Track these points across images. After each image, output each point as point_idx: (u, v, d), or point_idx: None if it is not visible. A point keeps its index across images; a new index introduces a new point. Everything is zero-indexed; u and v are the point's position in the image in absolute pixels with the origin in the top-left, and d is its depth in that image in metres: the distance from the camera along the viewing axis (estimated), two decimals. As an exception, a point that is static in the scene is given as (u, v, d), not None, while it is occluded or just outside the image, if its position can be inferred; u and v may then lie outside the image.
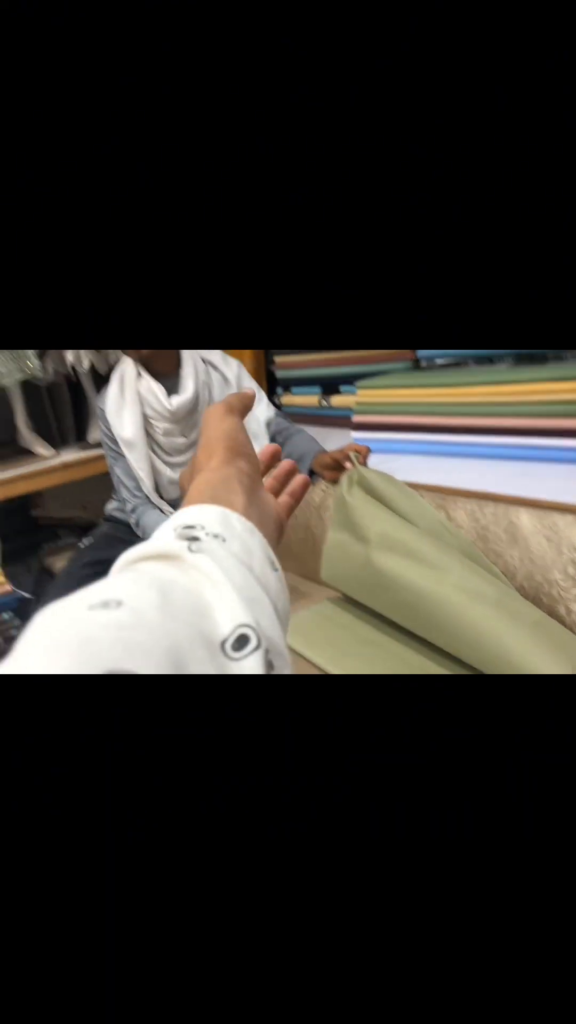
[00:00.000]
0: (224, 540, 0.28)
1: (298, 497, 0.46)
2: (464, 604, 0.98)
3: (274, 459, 0.47)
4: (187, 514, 0.30)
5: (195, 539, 0.27)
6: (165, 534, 0.28)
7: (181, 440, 1.44)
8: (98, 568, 1.44)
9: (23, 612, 1.62)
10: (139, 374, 1.41)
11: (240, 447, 0.39)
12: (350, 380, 1.57)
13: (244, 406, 0.43)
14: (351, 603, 1.28)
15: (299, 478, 0.47)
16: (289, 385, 1.81)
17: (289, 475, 0.47)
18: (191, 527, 0.28)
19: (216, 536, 0.28)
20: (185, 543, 0.27)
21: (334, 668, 1.09)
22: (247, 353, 1.77)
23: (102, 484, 1.89)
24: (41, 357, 1.66)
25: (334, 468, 1.28)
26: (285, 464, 0.47)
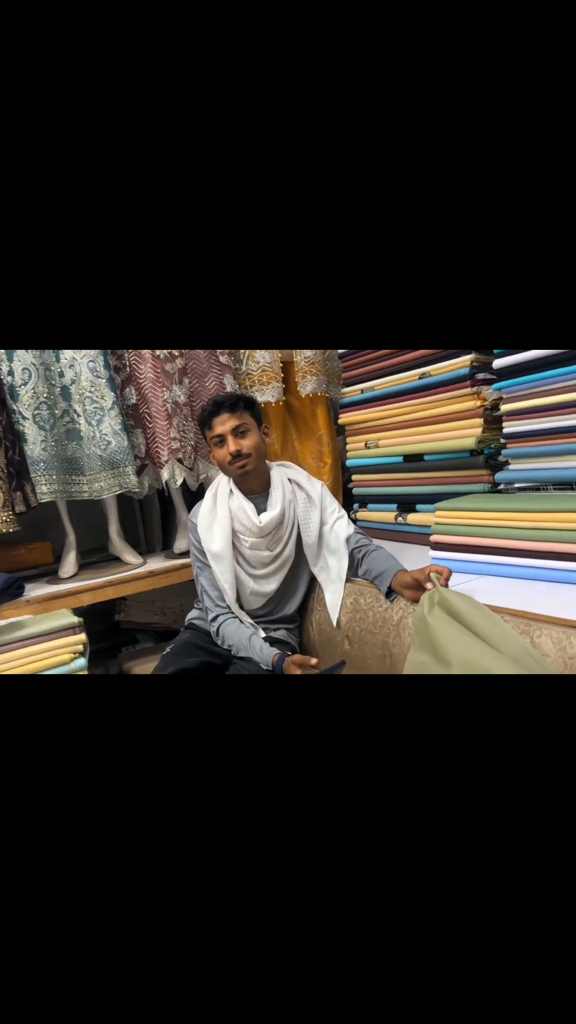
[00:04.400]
0: None
1: None
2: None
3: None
4: None
5: None
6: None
7: (266, 553, 1.49)
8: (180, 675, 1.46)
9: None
10: (231, 492, 1.49)
11: None
12: (426, 500, 1.60)
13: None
14: (431, 727, 1.23)
15: None
16: (366, 502, 1.86)
17: None
18: None
19: None
20: None
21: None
22: (326, 471, 1.84)
23: (181, 592, 1.95)
24: (138, 473, 1.78)
25: (414, 588, 1.28)
26: None
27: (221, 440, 1.41)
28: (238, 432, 1.41)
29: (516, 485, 1.41)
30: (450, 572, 1.22)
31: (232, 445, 1.41)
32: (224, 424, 1.41)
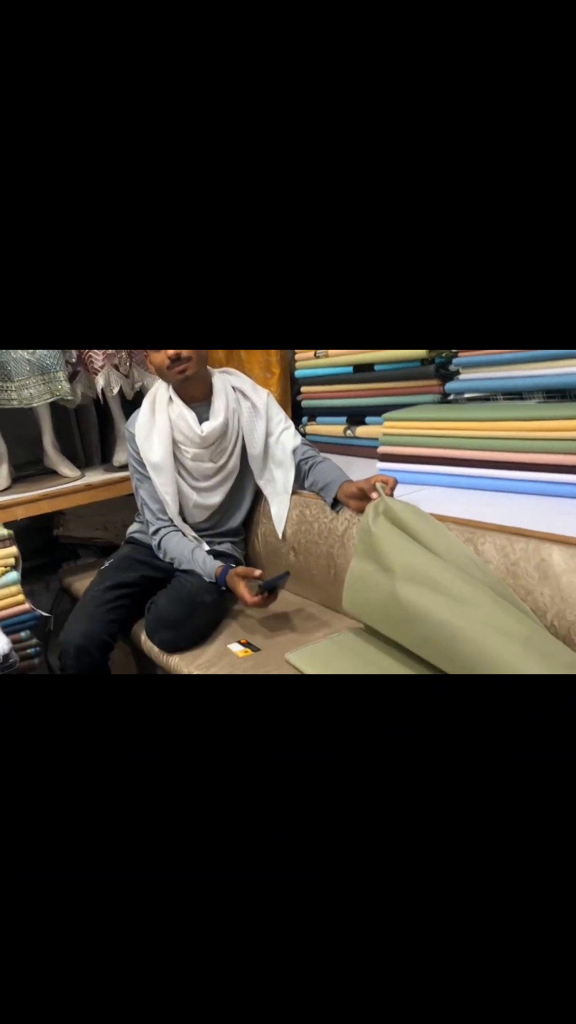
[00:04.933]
0: None
1: None
2: (492, 641, 0.95)
3: None
4: None
5: None
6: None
7: (209, 465, 1.43)
8: (120, 590, 1.42)
9: (40, 630, 1.60)
10: (171, 399, 1.41)
11: None
12: (375, 412, 1.56)
13: None
14: (372, 633, 1.25)
15: None
16: (315, 415, 1.81)
17: None
18: None
19: None
20: None
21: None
22: (274, 382, 1.77)
23: (123, 505, 1.88)
24: (71, 379, 1.66)
25: (360, 498, 1.26)
26: None
27: None
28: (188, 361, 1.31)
29: (466, 396, 1.38)
30: (395, 482, 1.20)
31: (185, 377, 1.32)
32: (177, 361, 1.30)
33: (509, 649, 0.93)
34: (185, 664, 1.31)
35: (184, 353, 1.30)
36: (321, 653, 1.24)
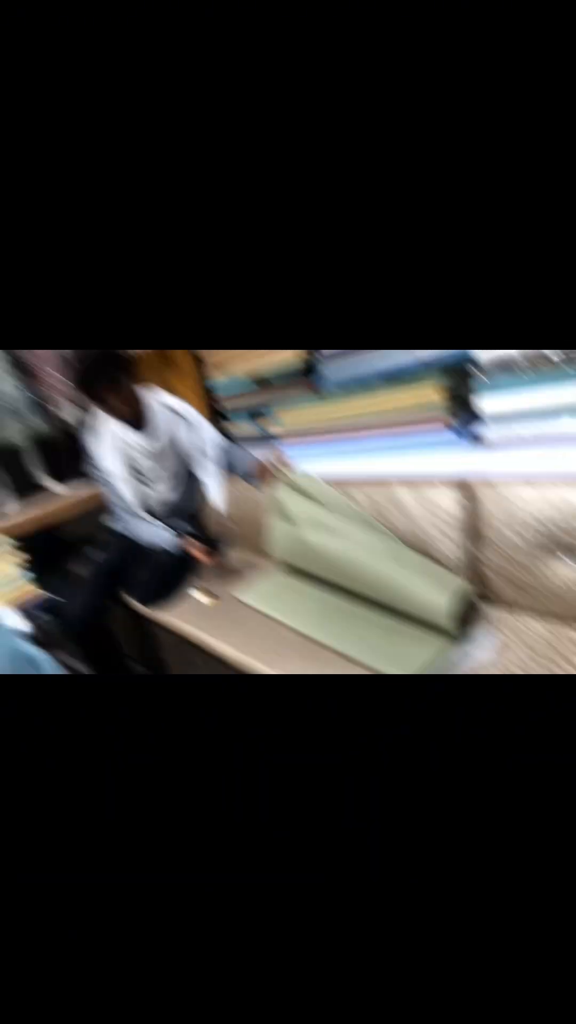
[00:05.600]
0: None
1: None
2: (368, 557, 1.01)
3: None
4: None
5: None
6: None
7: (161, 471, 1.41)
8: (110, 568, 1.41)
9: (57, 612, 1.57)
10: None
11: None
12: (268, 407, 1.57)
13: None
14: (292, 569, 1.29)
15: None
16: (227, 416, 1.79)
17: None
18: None
19: None
20: None
21: (289, 620, 1.10)
22: (193, 397, 1.73)
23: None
24: (44, 416, 1.59)
25: (264, 471, 1.28)
26: None
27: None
28: (122, 397, 1.25)
29: (332, 389, 1.40)
30: (284, 453, 1.22)
31: (121, 409, 1.26)
32: (111, 398, 1.23)
33: (380, 562, 0.99)
34: (162, 613, 1.32)
35: (130, 407, 1.26)
36: (260, 589, 1.27)
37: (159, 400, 1.45)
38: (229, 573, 1.41)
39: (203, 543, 1.33)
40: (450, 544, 1.00)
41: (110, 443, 1.35)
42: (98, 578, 1.40)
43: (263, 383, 1.60)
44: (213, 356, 1.73)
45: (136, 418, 1.38)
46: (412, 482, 1.06)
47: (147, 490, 1.44)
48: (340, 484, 1.20)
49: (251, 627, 1.12)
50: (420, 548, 1.05)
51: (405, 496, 1.07)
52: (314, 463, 1.32)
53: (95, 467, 1.39)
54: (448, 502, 0.99)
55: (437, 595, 0.91)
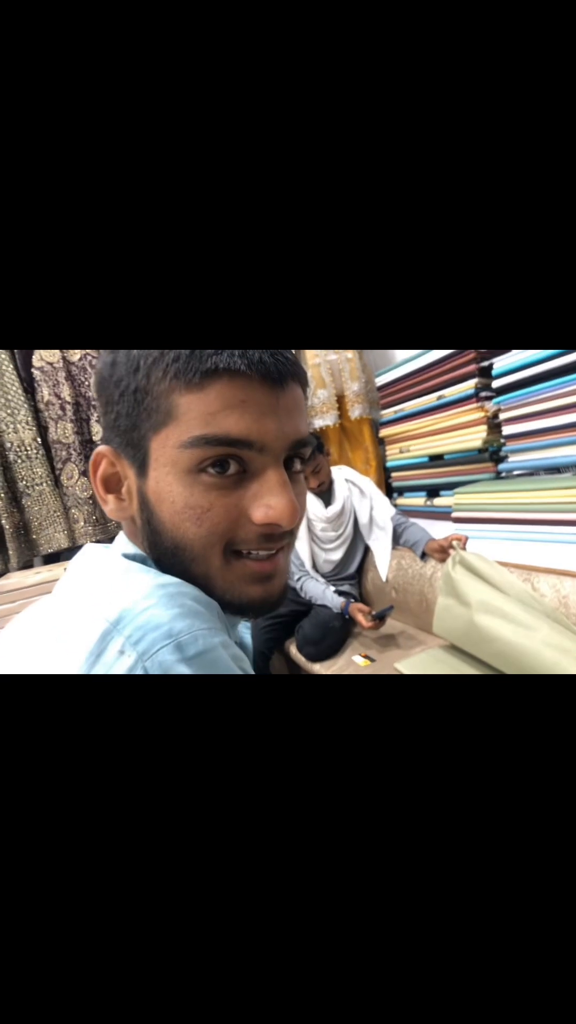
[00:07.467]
0: None
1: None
2: (550, 656, 0.94)
3: None
4: None
5: None
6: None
7: (333, 535, 1.54)
8: (275, 619, 1.53)
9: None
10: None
11: None
12: (446, 487, 1.60)
13: None
14: (456, 650, 1.25)
15: None
16: (403, 492, 1.87)
17: None
18: None
19: None
20: None
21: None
22: (371, 472, 1.86)
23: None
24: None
25: (441, 551, 1.30)
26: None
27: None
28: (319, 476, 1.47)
29: (515, 473, 1.39)
30: (467, 539, 1.23)
31: (315, 486, 1.48)
32: (311, 479, 1.47)
33: (564, 662, 0.92)
34: (323, 670, 1.37)
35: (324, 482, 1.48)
36: (421, 663, 1.26)
37: (340, 473, 1.61)
38: (386, 640, 1.42)
39: (366, 611, 1.38)
40: None
41: None
42: (270, 628, 1.53)
43: (439, 462, 1.66)
44: (392, 435, 1.86)
45: (326, 492, 1.56)
46: (608, 579, 0.98)
47: (317, 550, 1.57)
48: (521, 571, 1.16)
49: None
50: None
51: (599, 594, 0.98)
52: (492, 547, 1.30)
53: None
54: None
55: None
